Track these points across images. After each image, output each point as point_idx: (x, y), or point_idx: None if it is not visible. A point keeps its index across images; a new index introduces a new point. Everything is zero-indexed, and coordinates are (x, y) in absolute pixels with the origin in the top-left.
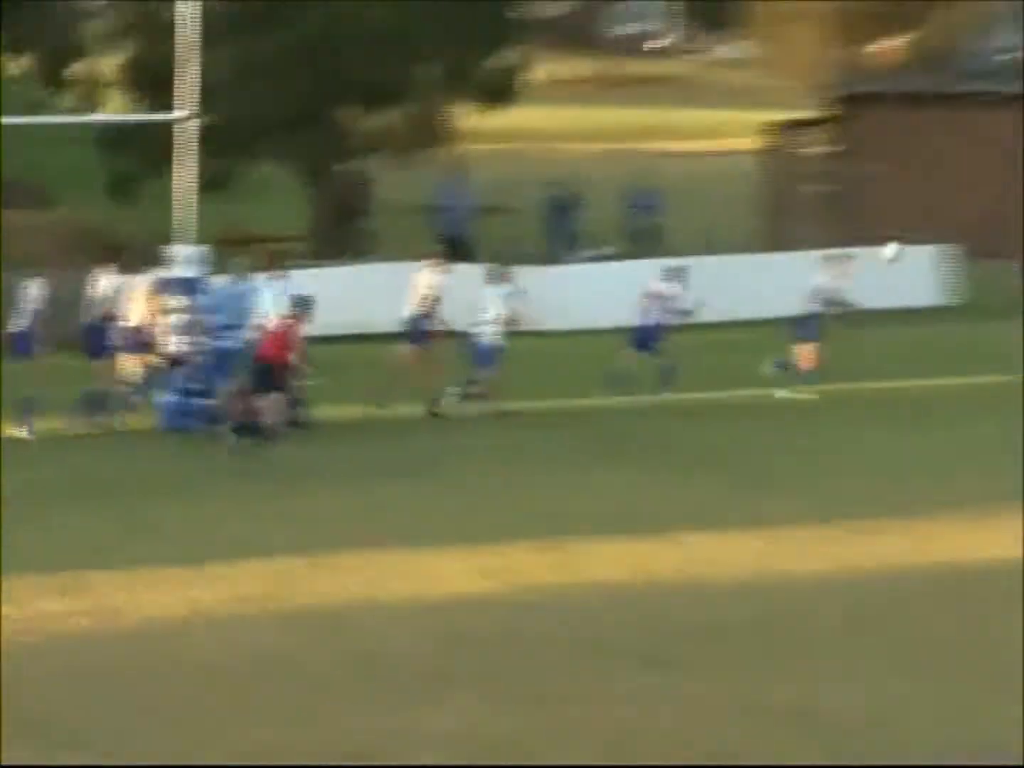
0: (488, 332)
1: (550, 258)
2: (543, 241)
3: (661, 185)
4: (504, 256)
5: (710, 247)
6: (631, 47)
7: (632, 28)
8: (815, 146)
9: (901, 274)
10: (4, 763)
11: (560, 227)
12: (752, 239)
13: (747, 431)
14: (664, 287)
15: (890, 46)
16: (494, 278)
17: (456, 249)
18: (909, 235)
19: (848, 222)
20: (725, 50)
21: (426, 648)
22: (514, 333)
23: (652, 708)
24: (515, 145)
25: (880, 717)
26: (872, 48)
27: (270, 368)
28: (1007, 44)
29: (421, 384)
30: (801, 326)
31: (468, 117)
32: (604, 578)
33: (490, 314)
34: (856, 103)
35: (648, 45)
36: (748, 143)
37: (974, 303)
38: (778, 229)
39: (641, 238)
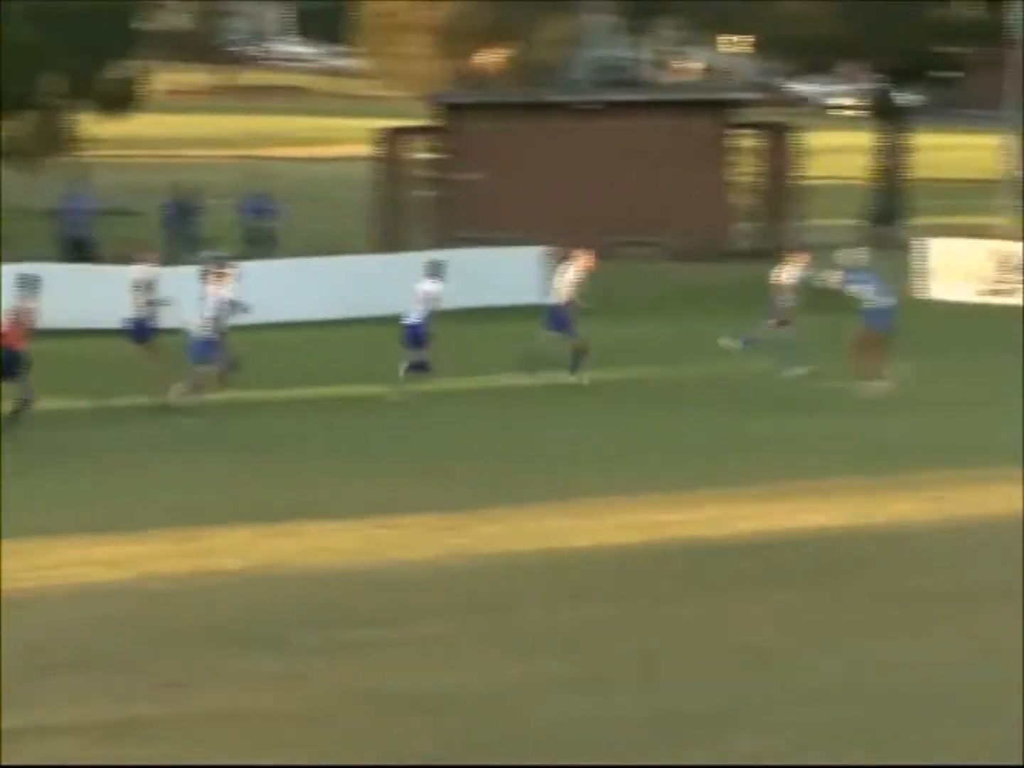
0: (202, 327)
1: (170, 260)
2: (164, 244)
3: (280, 190)
4: (126, 258)
5: (328, 249)
6: (254, 59)
7: (254, 40)
8: (423, 153)
9: (504, 274)
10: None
11: (180, 230)
12: (365, 241)
13: (388, 423)
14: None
15: (493, 58)
16: (210, 275)
17: (79, 250)
18: (510, 237)
19: (452, 225)
20: (342, 61)
21: (50, 638)
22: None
23: (270, 692)
24: (141, 152)
25: (497, 698)
26: (476, 60)
27: (16, 355)
28: (603, 56)
29: (147, 377)
30: (551, 318)
31: (91, 125)
32: (227, 567)
33: (205, 309)
34: (460, 112)
35: (269, 56)
36: (362, 150)
37: None
38: (389, 232)
39: (257, 241)
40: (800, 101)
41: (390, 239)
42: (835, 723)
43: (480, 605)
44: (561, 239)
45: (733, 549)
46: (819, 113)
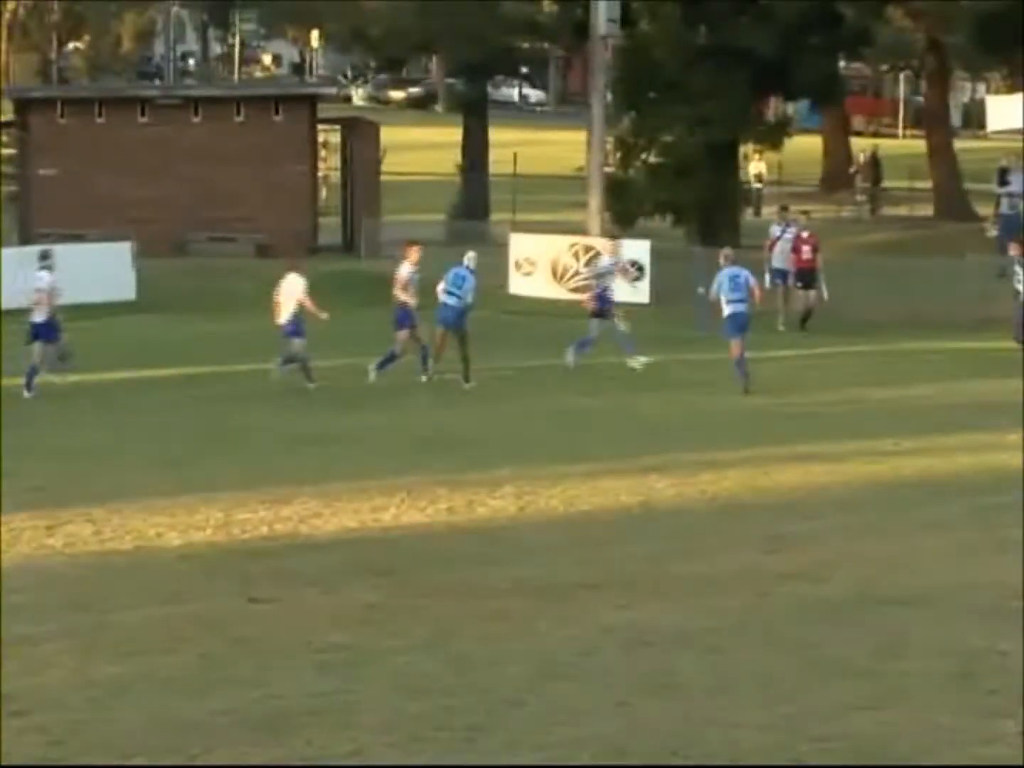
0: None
1: None
2: None
3: None
4: None
5: None
6: None
7: None
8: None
9: (88, 270)
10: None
11: None
12: None
13: None
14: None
15: (71, 51)
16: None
17: None
18: (91, 233)
19: (33, 221)
20: None
21: None
22: None
23: None
24: None
25: (93, 698)
26: (54, 53)
27: None
28: (182, 50)
29: None
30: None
31: None
32: None
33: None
34: (35, 106)
35: None
36: None
37: (146, 298)
38: None
39: None
40: (382, 96)
41: None
42: (431, 717)
43: (72, 604)
44: (142, 235)
45: (321, 547)
46: (404, 107)
